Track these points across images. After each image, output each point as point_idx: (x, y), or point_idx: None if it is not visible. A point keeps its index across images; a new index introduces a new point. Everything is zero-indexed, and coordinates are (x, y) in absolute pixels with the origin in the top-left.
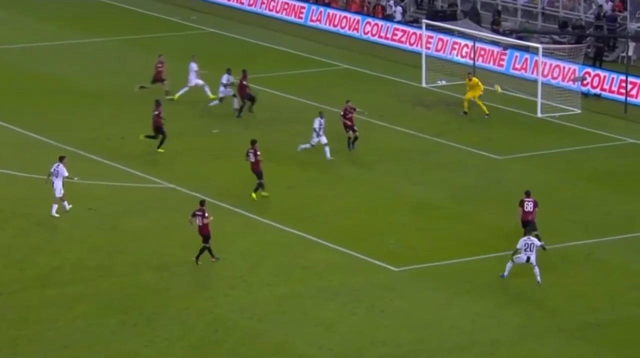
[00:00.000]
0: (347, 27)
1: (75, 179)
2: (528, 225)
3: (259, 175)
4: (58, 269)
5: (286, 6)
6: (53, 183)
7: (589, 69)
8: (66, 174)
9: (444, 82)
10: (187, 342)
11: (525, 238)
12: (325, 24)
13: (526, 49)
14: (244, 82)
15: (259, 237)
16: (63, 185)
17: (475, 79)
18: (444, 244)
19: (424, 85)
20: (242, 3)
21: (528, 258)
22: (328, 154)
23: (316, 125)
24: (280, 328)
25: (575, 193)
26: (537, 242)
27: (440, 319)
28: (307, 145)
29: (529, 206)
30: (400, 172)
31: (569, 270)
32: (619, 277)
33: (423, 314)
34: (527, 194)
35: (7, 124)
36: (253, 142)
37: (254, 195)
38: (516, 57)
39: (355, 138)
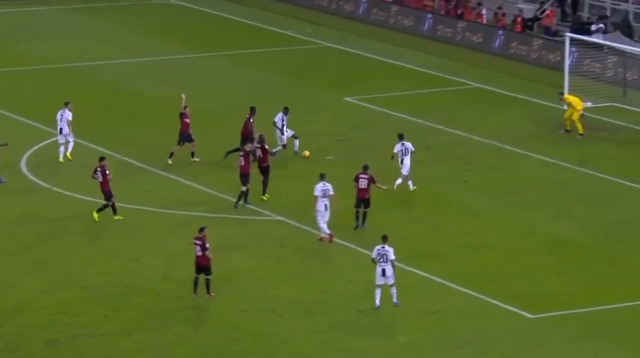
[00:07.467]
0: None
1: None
2: (362, 203)
3: (106, 194)
4: (153, 309)
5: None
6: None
7: None
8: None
9: (589, 104)
10: None
11: (379, 246)
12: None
13: None
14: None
15: (374, 275)
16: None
17: (568, 98)
18: (587, 288)
19: (565, 107)
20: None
21: (384, 272)
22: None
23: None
24: None
25: None
26: (391, 254)
27: None
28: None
29: (363, 183)
30: (537, 205)
31: None
32: None
33: None
34: (364, 169)
35: (100, 148)
36: (101, 159)
37: (95, 215)
38: None
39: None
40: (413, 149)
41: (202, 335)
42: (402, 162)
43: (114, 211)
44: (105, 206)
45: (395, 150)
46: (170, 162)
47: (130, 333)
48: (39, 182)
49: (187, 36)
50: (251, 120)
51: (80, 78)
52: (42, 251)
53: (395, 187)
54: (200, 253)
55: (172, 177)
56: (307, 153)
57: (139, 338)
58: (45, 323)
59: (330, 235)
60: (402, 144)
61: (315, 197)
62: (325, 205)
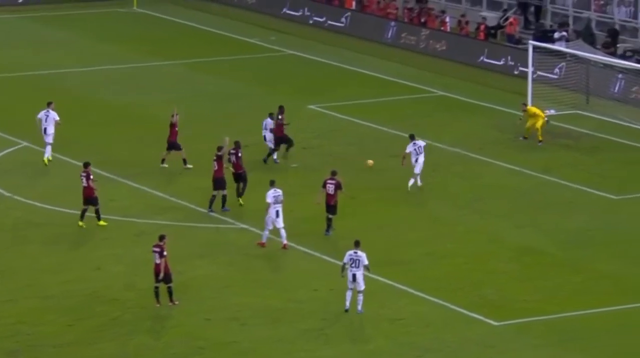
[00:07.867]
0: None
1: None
2: (330, 209)
3: (88, 200)
4: (116, 319)
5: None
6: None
7: None
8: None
9: (552, 112)
10: None
11: (352, 251)
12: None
13: None
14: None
15: (339, 283)
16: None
17: (531, 109)
18: (551, 296)
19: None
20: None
21: (354, 277)
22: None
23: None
24: None
25: None
26: (364, 260)
27: None
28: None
29: (330, 188)
30: (501, 212)
31: None
32: None
33: None
34: (332, 174)
35: (61, 156)
36: (85, 165)
37: (101, 223)
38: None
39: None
40: (425, 143)
41: (166, 345)
42: (416, 161)
43: (81, 217)
44: (96, 211)
45: (407, 150)
46: (188, 166)
47: (92, 343)
48: None
49: (152, 45)
50: (283, 120)
51: (43, 86)
52: (2, 260)
53: (409, 187)
54: (158, 261)
55: (136, 185)
56: (371, 162)
57: (101, 348)
58: (6, 333)
59: (262, 243)
60: (414, 143)
61: (268, 204)
62: (277, 211)
